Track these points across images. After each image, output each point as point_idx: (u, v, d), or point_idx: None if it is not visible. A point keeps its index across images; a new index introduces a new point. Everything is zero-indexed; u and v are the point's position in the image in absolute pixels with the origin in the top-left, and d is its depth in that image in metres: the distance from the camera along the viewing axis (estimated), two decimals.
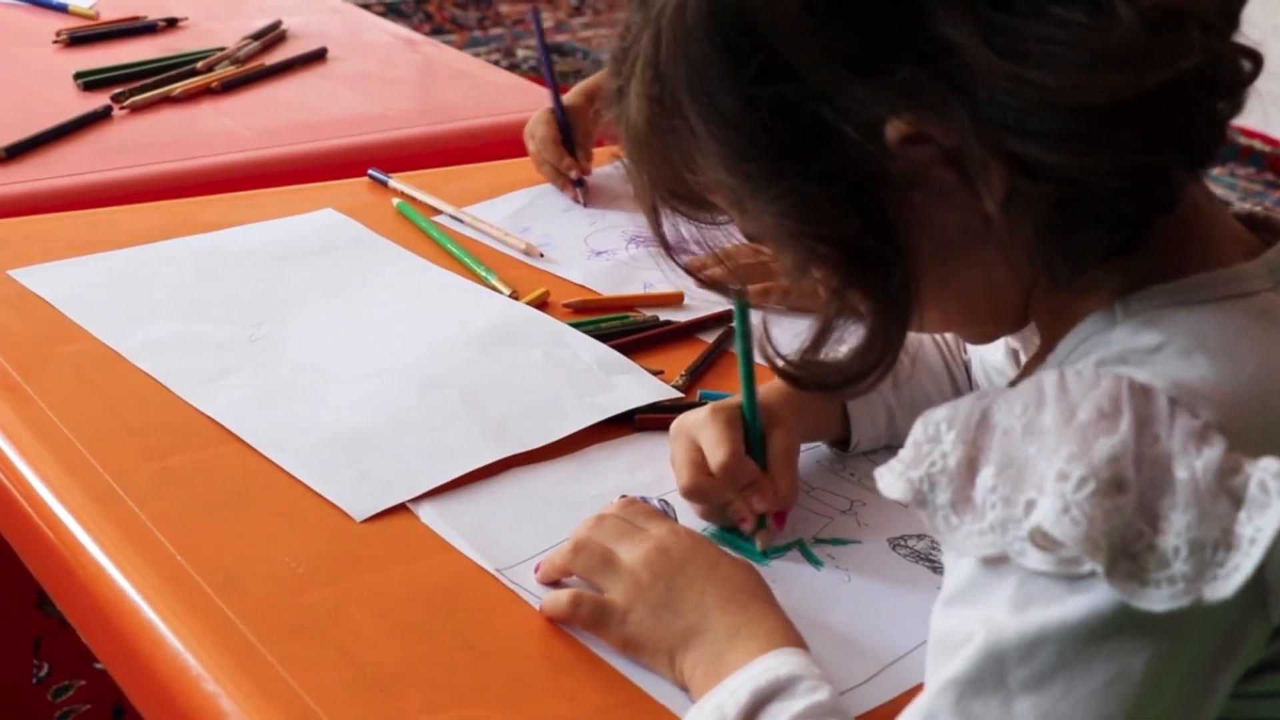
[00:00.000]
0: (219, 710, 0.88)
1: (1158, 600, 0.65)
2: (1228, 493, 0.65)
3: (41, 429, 1.11)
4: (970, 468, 0.69)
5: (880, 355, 0.78)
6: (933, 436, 0.70)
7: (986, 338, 0.89)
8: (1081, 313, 0.76)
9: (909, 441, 0.71)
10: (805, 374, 0.81)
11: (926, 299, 0.78)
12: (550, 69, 1.65)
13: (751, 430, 1.04)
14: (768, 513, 1.03)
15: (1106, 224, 0.72)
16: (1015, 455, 0.68)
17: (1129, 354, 0.71)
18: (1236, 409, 0.68)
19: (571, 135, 1.63)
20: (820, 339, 0.79)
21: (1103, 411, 0.67)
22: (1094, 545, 0.64)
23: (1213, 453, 0.66)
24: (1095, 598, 0.66)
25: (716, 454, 1.02)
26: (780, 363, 0.82)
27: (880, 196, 0.73)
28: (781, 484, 1.04)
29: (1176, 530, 0.65)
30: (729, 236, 0.84)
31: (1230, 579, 0.64)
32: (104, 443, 1.10)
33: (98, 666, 1.95)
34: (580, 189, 1.61)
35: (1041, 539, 0.66)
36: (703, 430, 1.03)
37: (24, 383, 1.17)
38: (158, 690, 0.93)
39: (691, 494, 1.04)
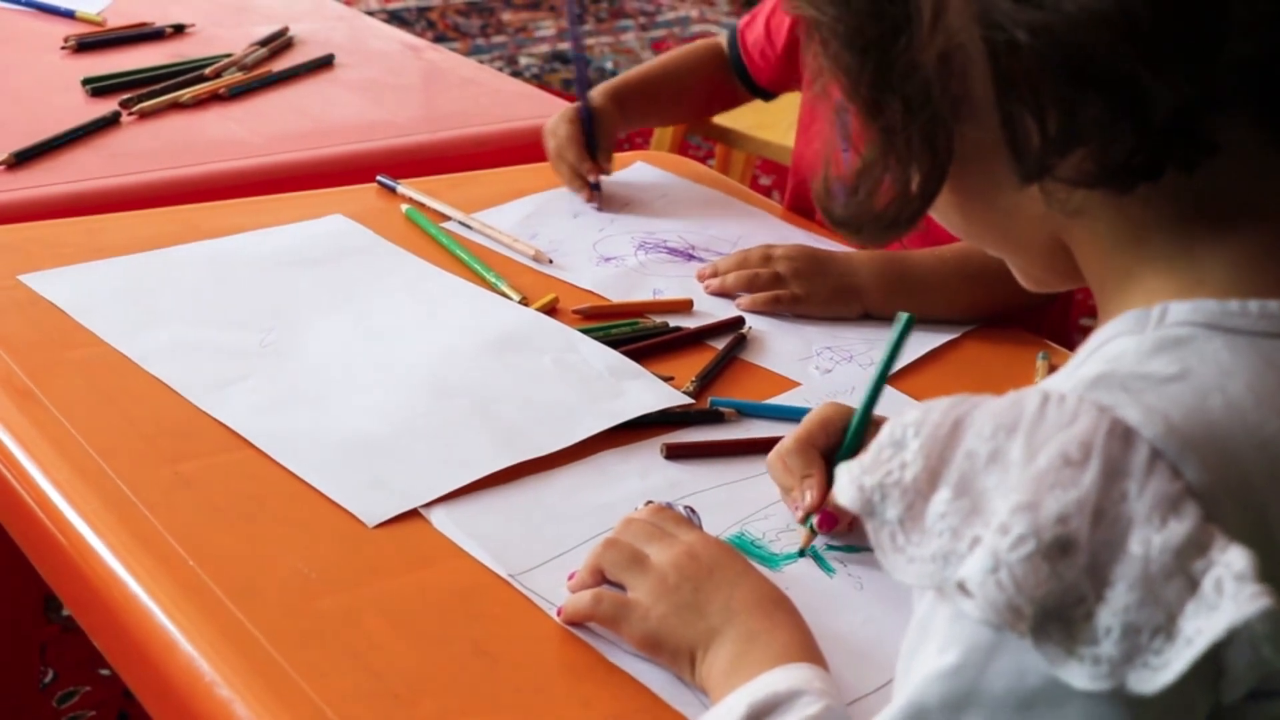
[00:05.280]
0: (233, 716, 0.88)
1: (1079, 676, 0.60)
2: (1185, 575, 0.59)
3: (53, 434, 1.11)
4: (928, 484, 0.63)
5: (916, 206, 0.73)
6: (897, 441, 0.65)
7: (1032, 281, 0.80)
8: (1130, 301, 0.70)
9: (874, 443, 0.66)
10: (851, 217, 0.76)
11: (959, 203, 0.74)
12: (582, 66, 1.63)
13: (853, 436, 1.05)
14: (814, 511, 1.04)
15: (1096, 139, 0.66)
16: (973, 483, 0.62)
17: (1135, 379, 0.64)
18: (1233, 472, 0.62)
19: (594, 137, 1.62)
20: (862, 182, 0.74)
21: (1068, 458, 0.61)
22: (1015, 615, 0.60)
23: (1179, 527, 0.59)
24: (1024, 657, 0.61)
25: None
26: (834, 207, 0.77)
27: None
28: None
29: (1114, 608, 0.59)
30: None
31: (1159, 674, 0.59)
32: (116, 448, 1.10)
33: (103, 672, 1.95)
34: (597, 192, 1.61)
35: (966, 592, 0.61)
36: (809, 416, 1.08)
37: (35, 388, 1.17)
38: (171, 696, 0.93)
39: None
